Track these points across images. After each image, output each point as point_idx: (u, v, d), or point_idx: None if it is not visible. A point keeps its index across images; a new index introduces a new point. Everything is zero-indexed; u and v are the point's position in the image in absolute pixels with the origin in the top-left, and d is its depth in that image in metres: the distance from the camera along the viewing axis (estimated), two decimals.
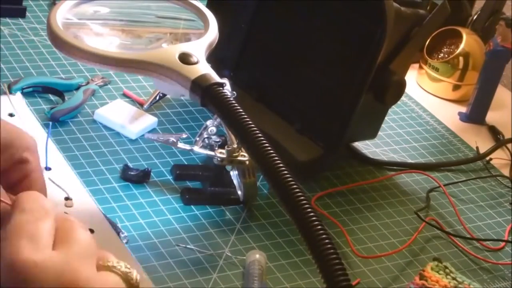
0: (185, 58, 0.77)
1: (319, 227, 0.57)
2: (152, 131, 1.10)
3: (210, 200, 1.00)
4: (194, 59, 0.77)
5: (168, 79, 0.77)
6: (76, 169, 1.00)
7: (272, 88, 1.17)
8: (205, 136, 0.99)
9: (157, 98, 1.07)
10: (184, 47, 0.79)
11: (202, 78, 0.73)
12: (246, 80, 1.18)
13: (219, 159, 0.96)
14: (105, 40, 0.86)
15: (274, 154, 0.62)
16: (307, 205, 0.58)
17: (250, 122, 0.65)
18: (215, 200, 1.00)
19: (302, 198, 0.59)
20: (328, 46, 1.10)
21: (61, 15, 0.82)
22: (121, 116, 1.09)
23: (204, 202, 0.99)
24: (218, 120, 1.00)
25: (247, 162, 0.97)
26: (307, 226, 0.57)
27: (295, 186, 0.59)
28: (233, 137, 0.98)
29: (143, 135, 1.08)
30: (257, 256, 0.92)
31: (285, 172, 0.60)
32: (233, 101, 0.67)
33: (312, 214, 0.58)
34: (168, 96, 1.10)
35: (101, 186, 0.99)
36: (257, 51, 1.18)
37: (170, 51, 0.78)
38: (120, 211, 0.96)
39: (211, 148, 0.98)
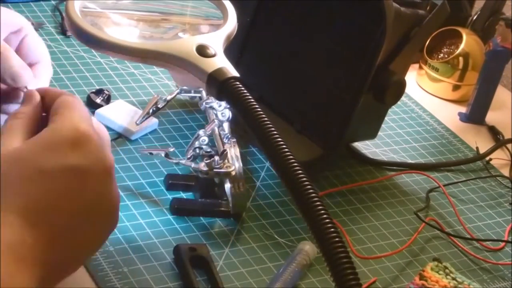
0: (202, 50, 0.76)
1: (332, 229, 0.58)
2: (153, 132, 1.10)
3: (199, 212, 0.97)
4: (211, 52, 0.76)
5: (184, 71, 0.76)
6: None
7: (271, 88, 1.17)
8: (196, 145, 0.98)
9: (151, 112, 1.05)
10: (201, 38, 0.78)
11: (219, 71, 0.72)
12: (245, 80, 1.17)
13: (202, 172, 0.95)
14: (123, 30, 0.85)
15: (289, 154, 0.62)
16: (318, 202, 0.59)
17: (266, 119, 0.65)
18: (204, 212, 0.97)
19: (314, 196, 0.59)
20: (328, 46, 1.10)
21: (80, 2, 0.81)
22: (121, 116, 1.09)
23: (193, 213, 0.97)
24: (210, 130, 0.99)
25: (233, 173, 0.95)
26: (318, 227, 0.58)
27: (308, 185, 0.60)
28: (220, 146, 0.97)
29: (143, 135, 1.08)
30: (307, 247, 0.93)
31: (301, 173, 0.60)
32: (250, 97, 0.67)
33: (324, 212, 0.58)
34: (159, 106, 1.08)
35: None
36: (257, 51, 1.18)
37: (188, 43, 0.77)
38: (120, 211, 0.95)
39: (202, 159, 0.97)
